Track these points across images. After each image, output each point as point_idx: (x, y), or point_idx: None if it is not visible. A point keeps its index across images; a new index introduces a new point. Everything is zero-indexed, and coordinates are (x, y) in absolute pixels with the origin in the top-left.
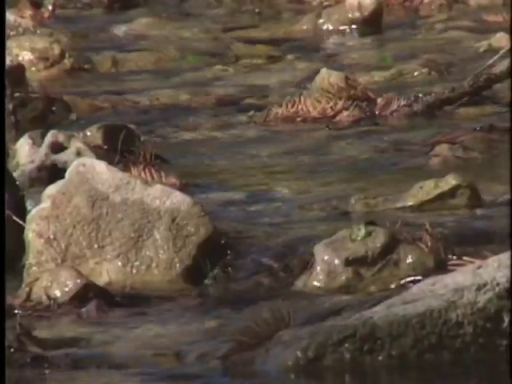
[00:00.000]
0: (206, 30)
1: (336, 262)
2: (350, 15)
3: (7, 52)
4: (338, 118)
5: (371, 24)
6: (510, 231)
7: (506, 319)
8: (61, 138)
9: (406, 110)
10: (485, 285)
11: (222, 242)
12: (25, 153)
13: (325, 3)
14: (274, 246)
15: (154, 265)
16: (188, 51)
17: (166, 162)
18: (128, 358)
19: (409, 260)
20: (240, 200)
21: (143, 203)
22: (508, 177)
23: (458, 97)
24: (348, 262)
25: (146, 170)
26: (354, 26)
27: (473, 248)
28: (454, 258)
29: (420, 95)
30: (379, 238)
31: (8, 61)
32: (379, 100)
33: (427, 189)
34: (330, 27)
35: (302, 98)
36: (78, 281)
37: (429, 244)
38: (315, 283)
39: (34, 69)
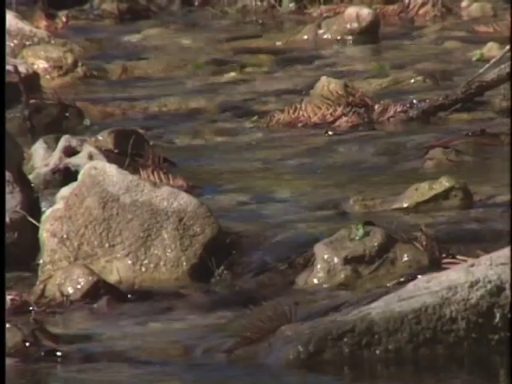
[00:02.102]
0: (211, 39)
1: (335, 260)
2: (348, 26)
3: (23, 61)
4: (337, 123)
5: (369, 34)
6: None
7: (498, 315)
8: (74, 142)
9: (402, 116)
10: (477, 282)
11: (227, 241)
12: (40, 156)
13: (324, 14)
14: (277, 245)
15: (162, 263)
16: (194, 60)
17: (174, 165)
18: (138, 352)
19: (405, 258)
20: (244, 201)
21: (152, 204)
22: (499, 179)
23: (452, 103)
24: (347, 261)
25: (155, 173)
26: (352, 36)
27: (465, 247)
28: (448, 256)
29: (415, 102)
30: (377, 238)
31: (24, 69)
32: (376, 106)
33: (422, 191)
34: (330, 37)
35: (303, 105)
36: (90, 278)
37: (424, 243)
38: (316, 280)
39: (48, 77)
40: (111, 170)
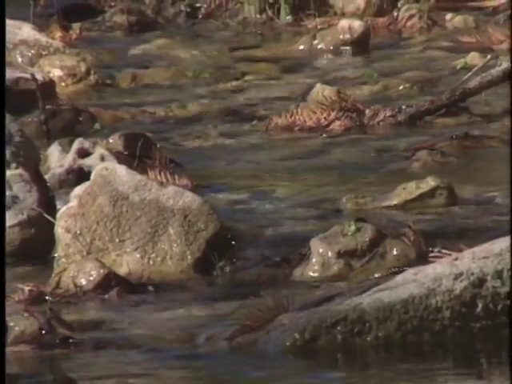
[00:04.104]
0: (214, 49)
1: (329, 254)
2: (341, 37)
3: (40, 69)
4: (331, 127)
5: (360, 44)
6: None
7: (480, 305)
8: (86, 144)
9: (391, 120)
10: (461, 274)
11: (229, 236)
12: (55, 158)
13: (319, 26)
14: (275, 240)
15: (168, 257)
16: (198, 68)
17: (179, 166)
18: (145, 339)
19: (394, 252)
20: (244, 199)
21: (159, 202)
22: (481, 178)
23: (437, 108)
24: (340, 255)
25: (162, 173)
26: (345, 46)
27: (450, 242)
28: (434, 250)
29: (403, 107)
30: (368, 233)
31: (40, 77)
32: (367, 111)
33: (410, 189)
34: (324, 47)
35: (299, 110)
36: (102, 271)
37: (411, 238)
38: (311, 273)
39: (63, 84)
40: (121, 170)
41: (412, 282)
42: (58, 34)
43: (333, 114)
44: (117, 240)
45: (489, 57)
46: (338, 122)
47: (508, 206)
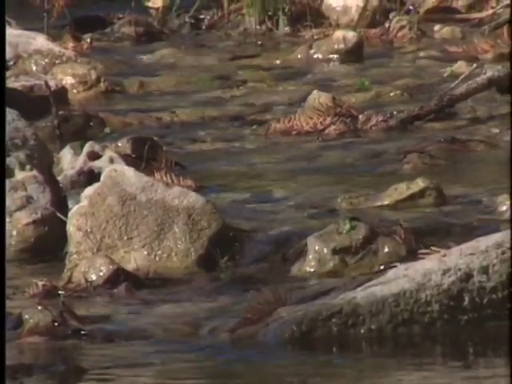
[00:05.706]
0: (217, 58)
1: (325, 251)
2: (336, 46)
3: (53, 77)
4: (326, 131)
5: (354, 54)
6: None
7: (467, 298)
8: (96, 148)
9: (383, 125)
10: (449, 270)
11: (230, 234)
12: (67, 160)
13: (315, 36)
14: (274, 238)
15: (173, 253)
16: (202, 76)
17: (184, 168)
18: (152, 331)
19: (386, 249)
20: (245, 199)
21: (164, 202)
22: (467, 179)
23: (426, 114)
24: (335, 252)
25: (167, 175)
26: (339, 56)
27: (438, 239)
28: (423, 247)
29: (394, 112)
30: (361, 231)
31: (53, 84)
32: (361, 116)
33: (400, 190)
34: (320, 56)
35: (297, 115)
36: (111, 267)
37: (402, 236)
38: (308, 269)
39: (75, 91)
40: (129, 172)
41: (403, 277)
42: (70, 44)
43: (328, 119)
44: (125, 238)
45: (474, 65)
46: (333, 127)
47: (492, 205)
